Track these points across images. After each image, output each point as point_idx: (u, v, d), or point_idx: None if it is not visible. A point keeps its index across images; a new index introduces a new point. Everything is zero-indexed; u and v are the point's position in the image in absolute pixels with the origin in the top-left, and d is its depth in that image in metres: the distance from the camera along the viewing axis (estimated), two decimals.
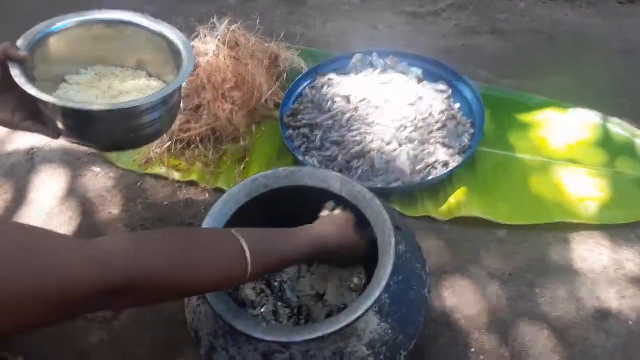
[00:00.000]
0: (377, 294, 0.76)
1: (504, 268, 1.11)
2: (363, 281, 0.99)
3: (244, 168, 1.32)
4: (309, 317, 0.96)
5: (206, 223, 0.86)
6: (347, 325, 0.74)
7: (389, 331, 0.81)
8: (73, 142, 0.96)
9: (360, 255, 0.88)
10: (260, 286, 0.99)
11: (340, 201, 0.91)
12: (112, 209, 1.28)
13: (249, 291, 0.98)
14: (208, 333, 0.84)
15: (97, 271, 0.52)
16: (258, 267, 0.69)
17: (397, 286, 0.82)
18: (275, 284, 1.00)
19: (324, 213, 0.89)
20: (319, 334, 0.73)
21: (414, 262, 0.89)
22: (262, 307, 0.97)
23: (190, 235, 0.68)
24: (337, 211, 0.88)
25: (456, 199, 1.21)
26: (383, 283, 0.77)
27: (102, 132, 0.94)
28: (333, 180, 0.90)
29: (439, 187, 1.24)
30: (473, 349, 1.00)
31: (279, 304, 0.98)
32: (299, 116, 1.35)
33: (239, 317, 0.77)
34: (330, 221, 0.85)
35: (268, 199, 0.91)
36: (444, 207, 1.20)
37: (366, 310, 0.75)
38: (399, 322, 0.82)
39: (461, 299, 1.06)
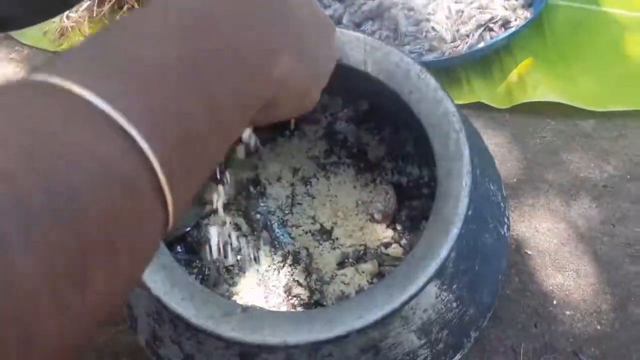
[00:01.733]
0: (444, 252, 0.43)
1: (596, 177, 0.77)
2: (393, 207, 0.66)
3: None
4: (311, 266, 0.64)
5: None
6: (390, 314, 0.42)
7: (454, 305, 0.49)
8: None
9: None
10: (233, 220, 0.66)
11: (362, 84, 0.55)
12: None
13: (215, 229, 0.65)
14: (147, 314, 0.51)
15: None
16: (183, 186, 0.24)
17: (466, 228, 0.48)
18: (258, 217, 0.66)
19: None
20: (338, 331, 0.41)
21: (487, 183, 0.55)
22: (238, 254, 0.64)
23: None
24: None
25: (520, 77, 0.84)
26: (454, 231, 0.43)
27: None
28: (351, 45, 0.53)
29: (494, 60, 0.87)
30: (555, 301, 0.69)
31: (264, 247, 0.65)
32: None
33: (193, 296, 0.44)
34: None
35: None
36: (502, 90, 0.85)
37: (425, 284, 0.42)
38: (470, 288, 0.50)
39: (533, 224, 0.74)
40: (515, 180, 0.78)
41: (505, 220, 0.56)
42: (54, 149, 0.19)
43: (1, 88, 0.21)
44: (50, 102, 0.20)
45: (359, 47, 0.53)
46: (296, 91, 0.33)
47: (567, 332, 0.67)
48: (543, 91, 0.83)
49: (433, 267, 0.42)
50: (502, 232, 0.55)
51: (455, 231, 0.43)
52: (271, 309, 0.58)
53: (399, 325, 0.47)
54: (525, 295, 0.70)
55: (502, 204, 0.56)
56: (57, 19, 0.96)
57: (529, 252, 0.72)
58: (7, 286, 0.16)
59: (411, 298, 0.42)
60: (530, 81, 0.84)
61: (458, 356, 0.51)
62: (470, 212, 0.49)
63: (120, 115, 0.21)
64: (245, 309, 0.43)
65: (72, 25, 0.94)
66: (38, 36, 0.97)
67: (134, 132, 0.21)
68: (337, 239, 0.66)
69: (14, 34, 0.98)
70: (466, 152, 0.46)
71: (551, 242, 0.73)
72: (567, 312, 0.69)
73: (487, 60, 0.87)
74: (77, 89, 0.20)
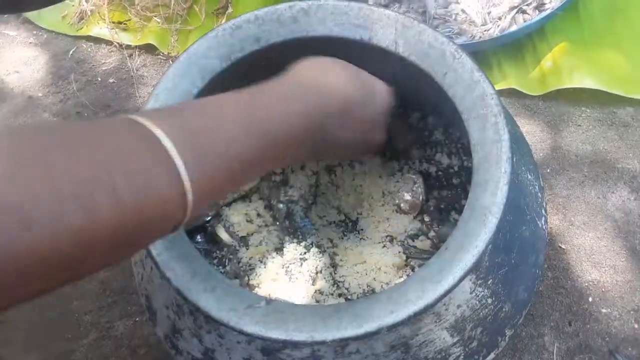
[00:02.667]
0: (481, 244, 0.40)
1: (635, 168, 0.74)
2: (421, 197, 0.64)
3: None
4: (335, 258, 0.62)
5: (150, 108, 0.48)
6: (423, 310, 0.39)
7: (489, 301, 0.47)
8: None
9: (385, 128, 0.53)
10: (254, 209, 0.64)
11: (391, 66, 0.52)
12: (34, 90, 0.90)
13: (236, 218, 0.63)
14: (166, 306, 0.50)
15: None
16: (205, 189, 0.32)
17: (503, 219, 0.45)
18: (281, 206, 0.64)
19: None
20: (368, 327, 0.39)
21: (524, 172, 0.52)
22: (258, 244, 0.62)
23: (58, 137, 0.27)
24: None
25: (554, 62, 0.81)
26: (493, 222, 0.41)
27: None
28: (381, 24, 0.50)
29: (527, 44, 0.84)
30: (590, 298, 0.66)
31: (287, 237, 0.63)
32: None
33: (215, 288, 0.42)
34: (319, 65, 0.45)
35: (263, 65, 0.53)
36: (535, 75, 0.81)
37: (461, 278, 0.39)
38: (506, 284, 0.48)
39: (568, 217, 0.71)
40: (548, 170, 0.74)
41: (543, 212, 0.53)
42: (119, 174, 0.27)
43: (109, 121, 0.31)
44: (137, 133, 0.30)
45: (389, 26, 0.50)
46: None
47: (603, 331, 0.64)
48: (578, 77, 0.79)
49: (470, 259, 0.40)
50: (540, 225, 0.52)
51: (494, 221, 0.41)
52: (294, 302, 0.55)
53: (430, 321, 0.44)
54: (559, 292, 0.67)
55: (539, 195, 0.53)
56: (75, 1, 0.94)
57: (563, 247, 0.69)
58: None
59: (446, 293, 0.39)
60: (565, 67, 0.80)
61: (492, 355, 0.49)
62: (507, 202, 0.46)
63: (169, 143, 0.30)
64: (269, 302, 0.41)
65: (92, 9, 0.93)
66: (56, 20, 0.96)
67: (171, 149, 0.30)
68: (362, 230, 0.63)
69: (33, 18, 0.97)
70: (505, 136, 0.43)
71: (587, 236, 0.70)
72: (603, 310, 0.65)
73: (520, 44, 0.83)
74: (159, 133, 0.30)
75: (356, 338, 0.39)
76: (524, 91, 0.80)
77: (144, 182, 0.28)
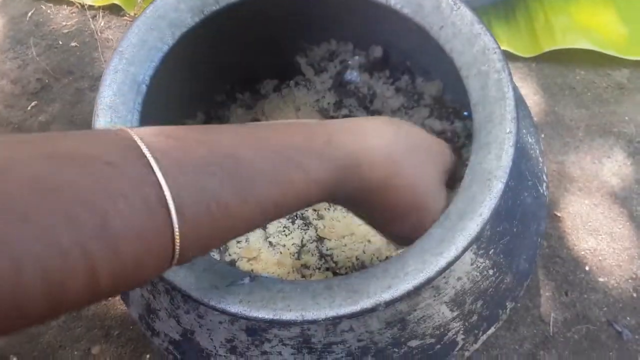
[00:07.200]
0: (486, 211, 0.37)
1: (631, 132, 0.72)
2: None
3: None
4: (322, 231, 0.59)
5: (111, 72, 0.44)
6: (424, 284, 0.36)
7: (490, 272, 0.44)
8: None
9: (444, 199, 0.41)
10: None
11: (380, 22, 0.49)
12: None
13: None
14: None
15: None
16: (199, 240, 0.28)
17: (507, 185, 0.42)
18: None
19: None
20: (365, 303, 0.36)
21: (525, 135, 0.49)
22: None
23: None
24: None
25: (547, 22, 0.78)
26: (498, 187, 0.38)
27: None
28: None
29: (519, 4, 0.80)
30: (587, 267, 0.64)
31: None
32: None
33: (192, 265, 0.39)
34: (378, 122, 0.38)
35: (241, 21, 0.48)
36: (527, 36, 0.78)
37: (465, 249, 0.37)
38: (507, 254, 0.45)
39: (563, 184, 0.69)
40: (542, 135, 0.72)
41: (544, 177, 0.50)
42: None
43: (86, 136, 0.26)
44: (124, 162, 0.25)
45: None
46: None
47: (601, 301, 0.63)
48: (572, 38, 0.76)
49: (474, 228, 0.37)
50: (541, 191, 0.49)
51: (499, 187, 0.38)
52: (280, 278, 0.52)
53: (429, 296, 0.42)
54: (555, 262, 0.65)
55: (540, 159, 0.51)
56: None
57: (559, 214, 0.67)
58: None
59: (449, 265, 0.36)
60: (558, 27, 0.77)
61: (492, 329, 0.46)
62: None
63: (162, 179, 0.25)
64: (254, 278, 0.38)
65: None
66: None
67: (165, 188, 0.25)
68: None
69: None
70: (510, 94, 0.40)
71: (582, 203, 0.68)
72: (601, 279, 0.64)
73: (511, 4, 0.80)
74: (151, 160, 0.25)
75: (351, 316, 0.36)
76: (516, 53, 0.77)
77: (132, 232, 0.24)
